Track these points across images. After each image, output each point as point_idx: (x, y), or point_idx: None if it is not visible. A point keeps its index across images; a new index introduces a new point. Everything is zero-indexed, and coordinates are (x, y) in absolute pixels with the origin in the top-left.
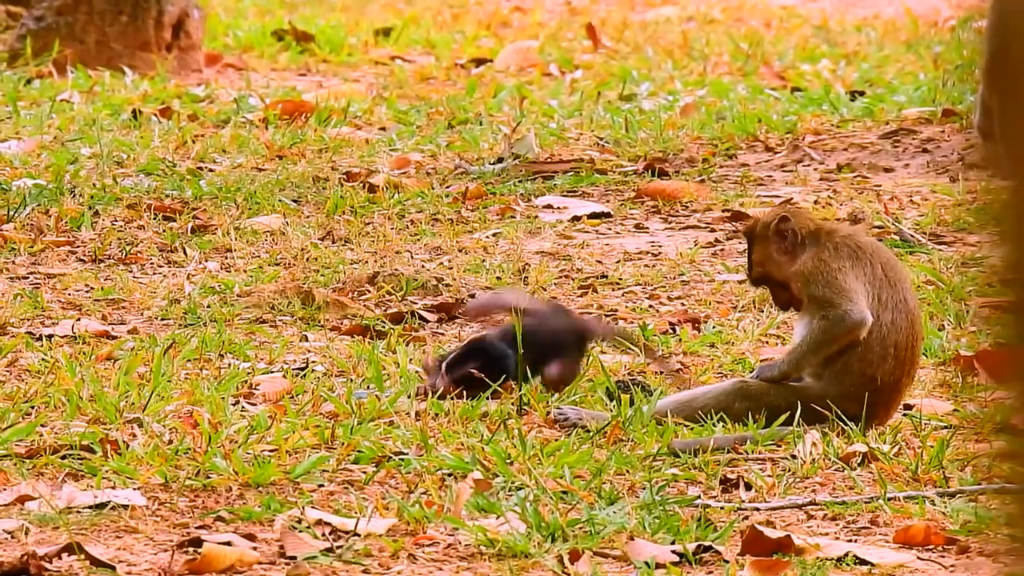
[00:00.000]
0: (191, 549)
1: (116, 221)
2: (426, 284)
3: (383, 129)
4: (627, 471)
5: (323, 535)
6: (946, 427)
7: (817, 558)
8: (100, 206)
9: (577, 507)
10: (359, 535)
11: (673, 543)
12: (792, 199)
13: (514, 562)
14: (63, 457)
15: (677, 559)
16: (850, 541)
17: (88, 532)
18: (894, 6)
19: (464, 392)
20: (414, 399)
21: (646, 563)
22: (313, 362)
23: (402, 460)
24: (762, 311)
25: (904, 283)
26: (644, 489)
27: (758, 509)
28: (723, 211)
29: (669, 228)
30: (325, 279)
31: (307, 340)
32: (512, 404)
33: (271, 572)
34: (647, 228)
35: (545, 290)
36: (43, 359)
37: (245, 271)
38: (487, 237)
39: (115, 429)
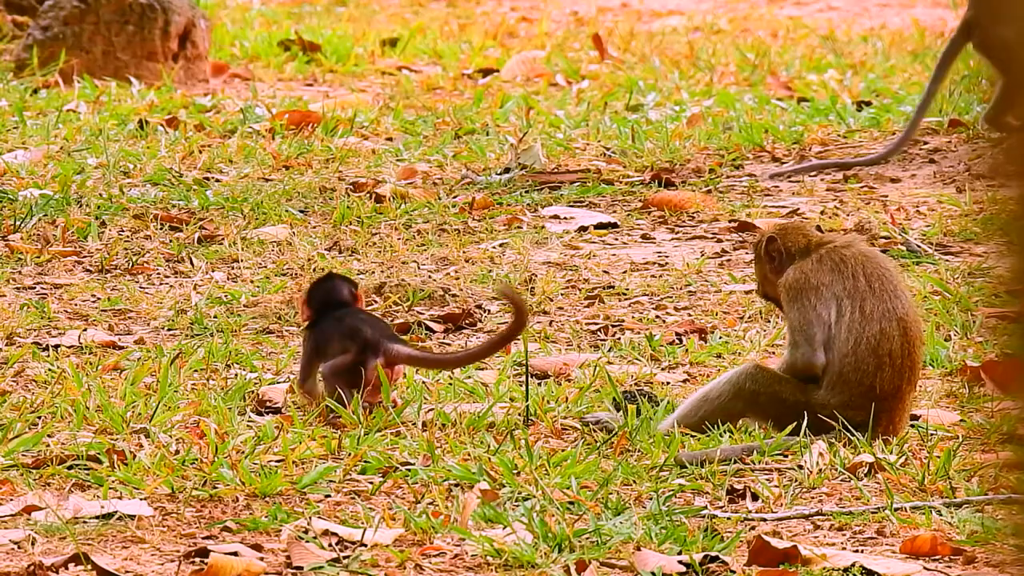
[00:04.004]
0: (198, 559)
1: (123, 231)
2: (433, 294)
3: (390, 139)
4: (634, 481)
5: (330, 545)
6: (953, 437)
7: (824, 568)
8: (107, 216)
9: (584, 517)
10: (366, 545)
11: (680, 553)
12: (798, 210)
13: (521, 572)
14: (70, 467)
15: (684, 569)
16: (857, 551)
17: (95, 542)
18: (901, 17)
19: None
20: (420, 410)
21: (652, 573)
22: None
23: (409, 470)
24: (768, 321)
25: (894, 292)
26: (651, 499)
27: (765, 519)
28: (730, 221)
29: (676, 238)
30: None
31: None
32: (519, 414)
33: None
34: (654, 238)
35: (552, 300)
36: (50, 369)
37: (252, 281)
38: (494, 247)
39: (122, 439)
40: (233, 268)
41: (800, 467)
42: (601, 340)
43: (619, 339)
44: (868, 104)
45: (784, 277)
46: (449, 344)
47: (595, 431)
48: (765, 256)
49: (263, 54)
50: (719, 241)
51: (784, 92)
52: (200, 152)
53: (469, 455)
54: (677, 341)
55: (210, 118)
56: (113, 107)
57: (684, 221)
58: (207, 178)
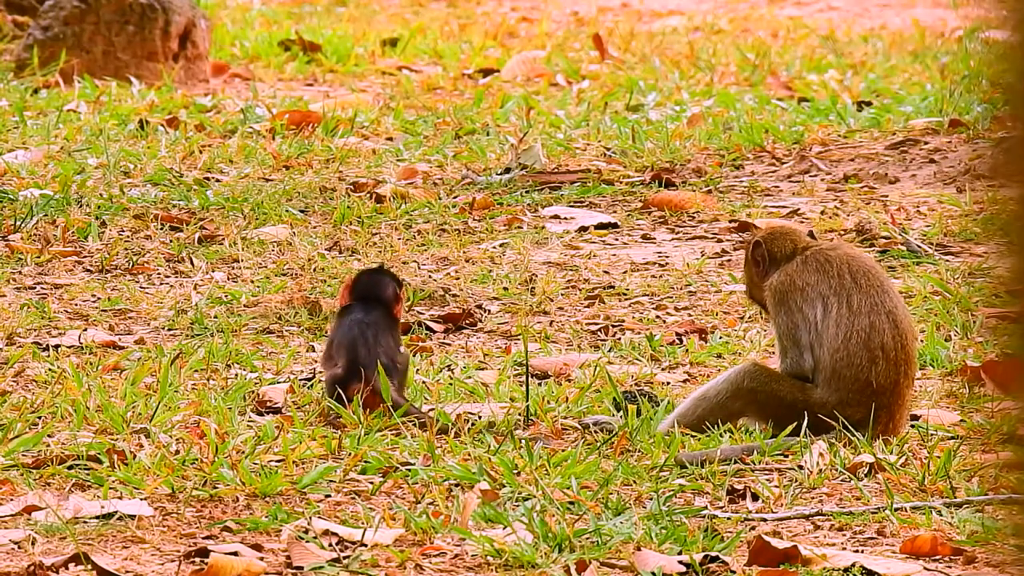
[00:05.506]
0: (198, 559)
1: (123, 231)
2: (433, 294)
3: (390, 139)
4: (634, 481)
5: (330, 545)
6: (953, 437)
7: (824, 568)
8: (107, 216)
9: (584, 517)
10: (366, 545)
11: (680, 553)
12: (798, 210)
13: (521, 572)
14: (70, 467)
15: (684, 569)
16: (857, 551)
17: (95, 542)
18: (901, 17)
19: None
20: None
21: (653, 573)
22: (320, 372)
23: (409, 470)
24: (768, 322)
25: (881, 287)
26: (651, 499)
27: (765, 519)
28: (730, 221)
29: (676, 238)
30: (332, 289)
31: (314, 350)
32: (519, 414)
33: None
34: (654, 239)
35: (552, 300)
36: (50, 369)
37: (252, 281)
38: (494, 247)
39: (122, 439)
40: (233, 268)
41: (800, 467)
42: (601, 340)
43: (619, 339)
44: (868, 104)
45: (770, 281)
46: (449, 344)
47: (595, 432)
48: (751, 261)
49: (263, 54)
50: (719, 241)
51: (784, 92)
52: (200, 152)
53: (469, 455)
54: (677, 341)
55: (210, 118)
56: (113, 107)
57: (684, 221)
58: (207, 178)
